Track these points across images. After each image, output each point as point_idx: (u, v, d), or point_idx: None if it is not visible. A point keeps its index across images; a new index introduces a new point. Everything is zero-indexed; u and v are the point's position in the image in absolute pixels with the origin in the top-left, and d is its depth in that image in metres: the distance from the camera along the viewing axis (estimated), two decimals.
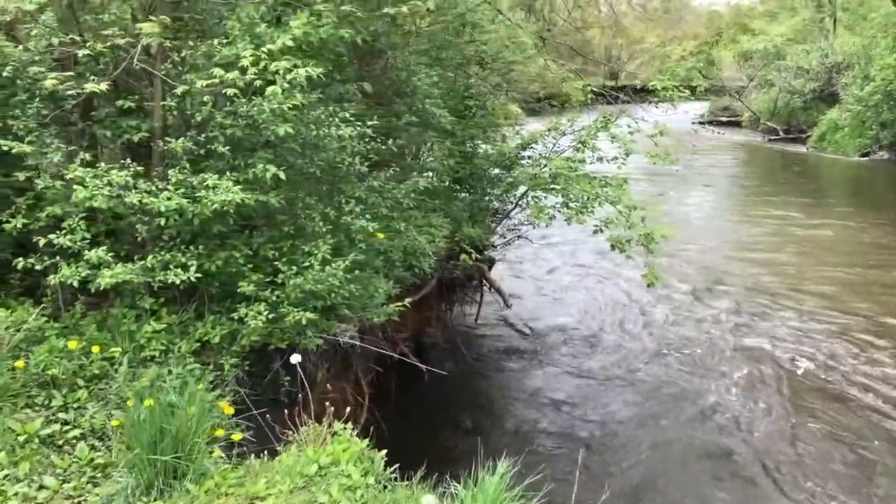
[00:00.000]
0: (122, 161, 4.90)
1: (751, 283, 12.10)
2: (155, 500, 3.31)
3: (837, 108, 28.70)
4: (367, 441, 3.93)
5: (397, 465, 3.74)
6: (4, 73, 4.80)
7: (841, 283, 12.01)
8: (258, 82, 4.63)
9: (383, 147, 5.71)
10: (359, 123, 5.21)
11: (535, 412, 8.23)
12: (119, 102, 5.11)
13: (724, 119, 39.29)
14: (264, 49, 4.64)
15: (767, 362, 9.21)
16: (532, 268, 12.95)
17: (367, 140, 5.48)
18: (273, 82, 4.75)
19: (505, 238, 10.41)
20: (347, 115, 5.21)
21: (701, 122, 39.19)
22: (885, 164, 25.09)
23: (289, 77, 4.66)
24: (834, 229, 15.79)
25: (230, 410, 4.27)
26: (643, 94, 10.93)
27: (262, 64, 4.78)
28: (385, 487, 3.52)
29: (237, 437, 3.90)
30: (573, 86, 11.50)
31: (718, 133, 36.26)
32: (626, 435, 7.76)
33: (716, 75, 40.54)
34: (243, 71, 4.56)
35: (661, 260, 12.12)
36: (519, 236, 10.48)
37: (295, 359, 3.99)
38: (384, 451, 3.87)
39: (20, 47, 4.97)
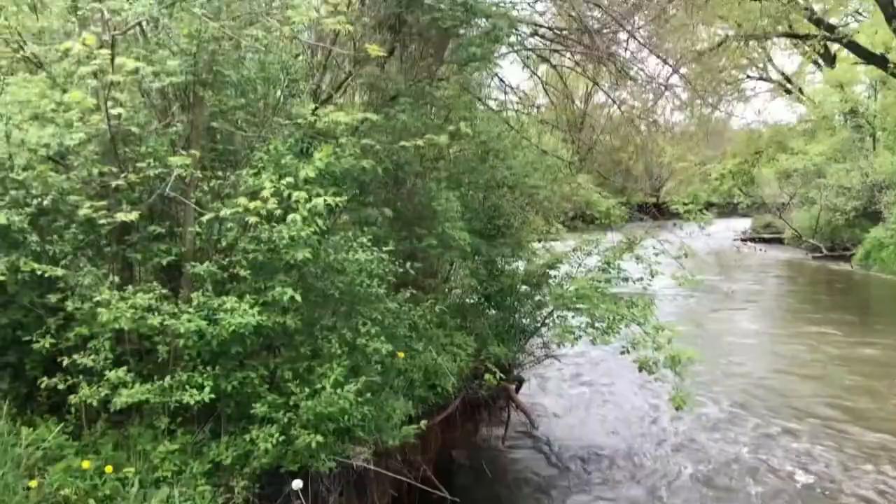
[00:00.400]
0: (150, 284, 5.16)
1: (789, 403, 11.74)
2: None
3: (882, 226, 28.44)
4: None
5: None
6: (46, 202, 5.12)
7: (884, 403, 11.59)
8: (278, 211, 4.88)
9: (401, 270, 5.88)
10: (375, 249, 5.40)
11: None
12: (151, 228, 5.41)
13: (766, 236, 39.14)
14: (283, 182, 4.90)
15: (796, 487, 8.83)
16: (562, 385, 12.79)
17: (385, 263, 5.65)
18: (294, 209, 5.01)
19: (534, 356, 10.39)
20: (365, 239, 5.41)
21: (743, 239, 39.07)
22: None
23: (308, 206, 4.90)
24: (879, 349, 15.33)
25: None
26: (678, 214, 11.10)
27: (285, 193, 5.06)
28: None
29: None
30: (609, 204, 11.71)
31: (761, 250, 36.03)
32: None
33: (756, 193, 40.74)
34: (265, 201, 4.81)
35: (700, 374, 11.94)
36: (547, 355, 10.45)
37: (296, 485, 4.02)
38: None
39: (63, 176, 5.33)
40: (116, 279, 5.13)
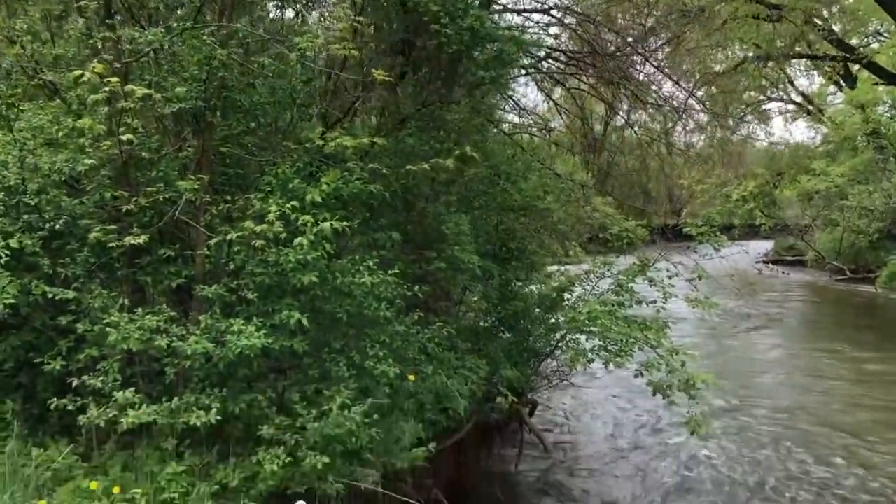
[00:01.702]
0: (160, 307, 5.22)
1: (810, 428, 11.56)
2: None
3: None
4: None
5: None
6: (58, 226, 5.21)
7: None
8: (283, 235, 4.93)
9: (409, 293, 5.90)
10: (382, 272, 5.43)
11: None
12: (161, 251, 5.48)
13: (788, 258, 38.76)
14: (288, 206, 4.96)
15: None
16: (576, 408, 12.69)
17: (393, 286, 5.68)
18: (301, 233, 5.06)
19: (547, 380, 10.34)
20: (372, 263, 5.44)
21: (765, 262, 38.70)
22: None
23: (315, 230, 4.95)
24: None
25: None
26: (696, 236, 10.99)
27: (292, 216, 5.12)
28: None
29: None
30: (626, 226, 11.68)
31: (783, 273, 35.67)
32: None
33: (778, 215, 40.37)
34: (271, 224, 4.87)
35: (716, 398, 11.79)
36: (562, 379, 10.40)
37: None
38: None
39: (76, 200, 5.43)
40: (127, 301, 5.19)
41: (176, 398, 4.87)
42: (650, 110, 15.65)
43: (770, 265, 37.49)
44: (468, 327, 9.21)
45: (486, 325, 9.73)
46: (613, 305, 8.80)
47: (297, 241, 4.94)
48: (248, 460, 5.09)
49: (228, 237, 5.03)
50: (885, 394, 13.62)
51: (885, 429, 11.72)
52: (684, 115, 15.78)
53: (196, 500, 4.73)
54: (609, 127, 21.03)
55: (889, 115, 36.77)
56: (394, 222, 6.86)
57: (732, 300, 21.16)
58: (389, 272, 5.53)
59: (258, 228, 4.88)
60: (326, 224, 4.93)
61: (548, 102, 16.19)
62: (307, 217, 4.93)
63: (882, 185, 31.90)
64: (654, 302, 9.05)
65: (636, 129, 16.26)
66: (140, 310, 5.08)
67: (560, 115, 16.26)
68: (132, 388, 4.82)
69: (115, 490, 4.52)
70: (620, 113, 16.32)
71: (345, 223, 5.07)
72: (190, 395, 4.96)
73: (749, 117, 36.61)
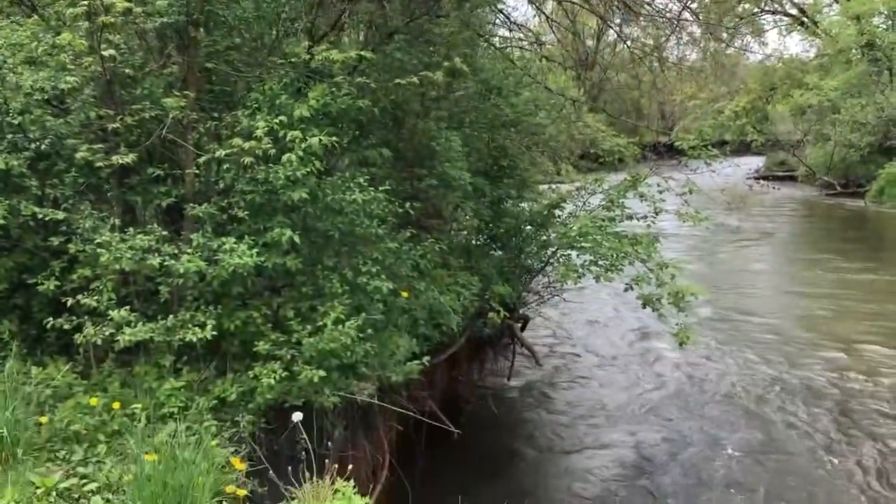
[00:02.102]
0: (151, 226, 5.21)
1: (797, 335, 11.82)
2: None
3: None
4: (367, 499, 4.01)
5: None
6: (44, 146, 5.15)
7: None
8: (273, 151, 4.89)
9: (400, 210, 5.90)
10: (372, 189, 5.41)
11: (567, 476, 8.14)
12: (150, 170, 5.44)
13: (779, 174, 38.77)
14: (276, 121, 4.90)
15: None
16: (567, 322, 12.91)
17: (384, 204, 5.67)
18: (290, 150, 5.02)
19: (539, 295, 10.46)
20: (362, 180, 5.42)
21: (756, 178, 38.74)
22: None
23: (303, 146, 4.91)
24: (890, 284, 15.33)
25: (242, 466, 4.41)
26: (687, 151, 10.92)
27: (281, 132, 5.07)
28: None
29: (241, 492, 4.02)
30: (619, 144, 11.63)
31: (774, 188, 35.74)
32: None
33: (770, 130, 40.15)
34: (259, 140, 4.82)
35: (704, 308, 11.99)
36: (553, 295, 10.52)
37: (296, 417, 4.11)
38: None
39: (61, 120, 5.34)
40: (118, 222, 5.18)
41: (171, 316, 4.91)
42: (643, 23, 15.35)
43: (761, 181, 37.59)
44: (460, 245, 9.26)
45: (478, 243, 9.79)
46: (604, 221, 8.84)
47: (285, 157, 4.90)
48: (245, 376, 5.18)
49: (217, 155, 4.98)
50: (869, 302, 13.91)
51: (867, 335, 12.03)
52: (678, 28, 15.49)
53: (195, 415, 4.83)
54: (601, 42, 20.66)
55: (885, 25, 36.25)
56: (384, 140, 6.80)
57: (723, 215, 21.37)
58: (380, 189, 5.51)
59: (246, 145, 4.84)
60: (315, 139, 4.89)
61: (539, 16, 15.84)
62: (295, 133, 4.88)
63: (875, 98, 31.65)
64: (645, 217, 9.09)
65: (628, 43, 15.98)
66: (131, 230, 5.07)
67: (552, 29, 15.92)
68: (127, 307, 4.85)
69: (116, 406, 4.60)
70: (613, 26, 15.98)
71: (334, 139, 5.02)
72: (185, 313, 5.01)
73: (743, 30, 35.91)
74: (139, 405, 4.72)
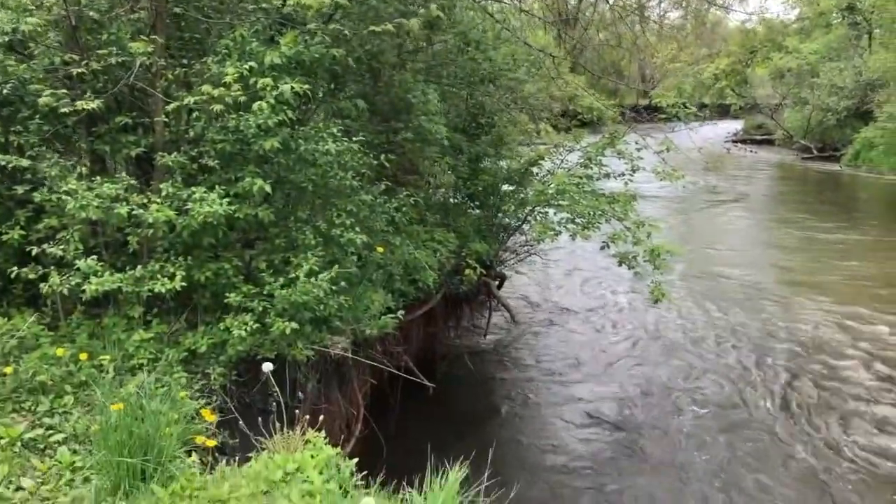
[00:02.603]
0: (120, 175, 5.09)
1: (767, 290, 11.95)
2: (120, 500, 3.40)
3: (872, 126, 28.23)
4: (337, 449, 3.99)
5: (365, 473, 3.80)
6: (6, 91, 4.98)
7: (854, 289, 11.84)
8: (244, 98, 4.77)
9: (375, 162, 5.81)
10: (345, 140, 5.31)
11: (539, 430, 8.20)
12: (118, 119, 5.29)
13: (757, 137, 38.90)
14: (246, 67, 4.77)
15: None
16: (544, 280, 12.96)
17: (359, 156, 5.58)
18: (261, 98, 4.90)
19: (516, 253, 10.45)
20: (335, 130, 5.31)
21: (734, 141, 38.87)
22: None
23: (275, 94, 4.79)
24: (858, 243, 15.52)
25: (212, 418, 4.36)
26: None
27: (252, 80, 4.94)
28: (347, 493, 3.57)
29: (211, 443, 3.98)
30: (591, 100, 11.54)
31: (752, 151, 35.90)
32: (621, 452, 7.71)
33: (749, 94, 40.20)
34: (228, 88, 4.69)
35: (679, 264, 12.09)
36: (530, 253, 10.51)
37: (267, 367, 4.06)
38: (356, 461, 3.95)
39: (23, 66, 5.17)
40: (86, 170, 5.05)
41: (140, 266, 4.82)
42: None
43: (739, 143, 37.74)
44: (437, 203, 9.20)
45: (455, 201, 9.72)
46: (581, 178, 8.80)
47: (256, 105, 4.78)
48: (216, 328, 5.12)
49: (186, 102, 4.85)
50: (838, 260, 14.11)
51: (835, 289, 12.24)
52: None
53: (164, 366, 4.76)
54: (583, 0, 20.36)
55: None
56: (360, 93, 6.67)
57: (700, 176, 21.49)
58: (354, 139, 5.41)
59: (216, 93, 4.71)
60: (286, 86, 4.76)
61: None
62: (266, 80, 4.76)
63: (853, 62, 31.71)
64: (622, 175, 9.06)
65: (610, 1, 15.76)
66: (98, 178, 4.95)
67: None
68: (95, 257, 4.75)
69: (83, 357, 4.52)
70: None
71: (306, 86, 4.90)
72: (154, 264, 4.92)
73: None
74: (107, 357, 4.64)
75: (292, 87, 4.79)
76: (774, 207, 22.35)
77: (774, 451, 7.58)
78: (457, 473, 3.27)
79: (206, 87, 4.76)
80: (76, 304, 5.23)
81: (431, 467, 3.34)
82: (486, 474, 3.40)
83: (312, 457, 3.81)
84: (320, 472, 3.68)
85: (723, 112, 44.22)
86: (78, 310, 5.19)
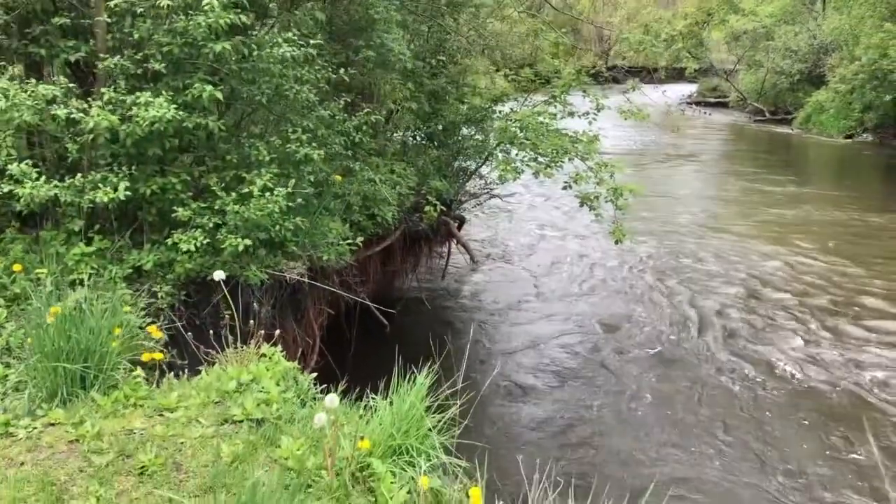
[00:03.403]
0: (57, 79, 4.71)
1: (715, 249, 12.00)
2: (56, 408, 3.11)
3: (824, 90, 28.53)
4: (294, 364, 3.76)
5: (325, 385, 3.58)
6: None
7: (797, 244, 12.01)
8: None
9: (333, 76, 5.49)
10: (303, 43, 4.98)
11: (498, 373, 8.07)
12: (55, 20, 4.88)
13: (711, 100, 39.10)
14: None
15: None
16: (503, 224, 12.83)
17: (317, 68, 5.26)
18: None
19: (476, 197, 10.23)
20: (291, 34, 4.98)
21: (689, 103, 39.06)
22: (869, 146, 24.97)
23: None
24: (805, 203, 15.76)
25: (159, 334, 4.07)
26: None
27: None
28: (305, 404, 3.35)
29: (159, 356, 3.70)
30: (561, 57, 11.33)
31: (705, 113, 36.14)
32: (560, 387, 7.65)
33: (705, 56, 40.31)
34: None
35: (636, 224, 12.12)
36: (491, 196, 10.31)
37: (218, 275, 3.77)
38: (314, 375, 3.75)
39: None
40: (18, 71, 4.65)
41: (80, 175, 4.47)
42: None
43: (693, 105, 37.95)
44: (397, 140, 8.93)
45: (415, 141, 9.45)
46: (546, 115, 8.60)
47: (205, 1, 4.43)
48: (163, 246, 4.81)
49: None
50: (780, 210, 14.41)
51: (775, 235, 12.48)
52: None
53: (107, 283, 4.45)
54: None
55: None
56: (317, 6, 6.31)
57: (656, 134, 21.59)
58: (312, 42, 5.07)
59: None
60: None
61: None
62: None
63: (808, 25, 31.98)
64: (587, 113, 8.88)
65: None
66: (33, 80, 4.55)
67: None
68: (27, 161, 4.38)
69: (17, 268, 4.18)
70: None
71: None
72: (96, 174, 4.57)
73: None
74: (44, 270, 4.30)
75: None
76: (728, 166, 22.51)
77: (712, 381, 7.67)
78: (424, 378, 3.07)
79: None
80: (10, 220, 4.88)
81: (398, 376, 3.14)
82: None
83: (268, 369, 3.57)
84: (277, 384, 3.44)
85: (678, 76, 44.39)
86: (13, 226, 4.83)
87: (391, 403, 2.98)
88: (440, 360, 3.27)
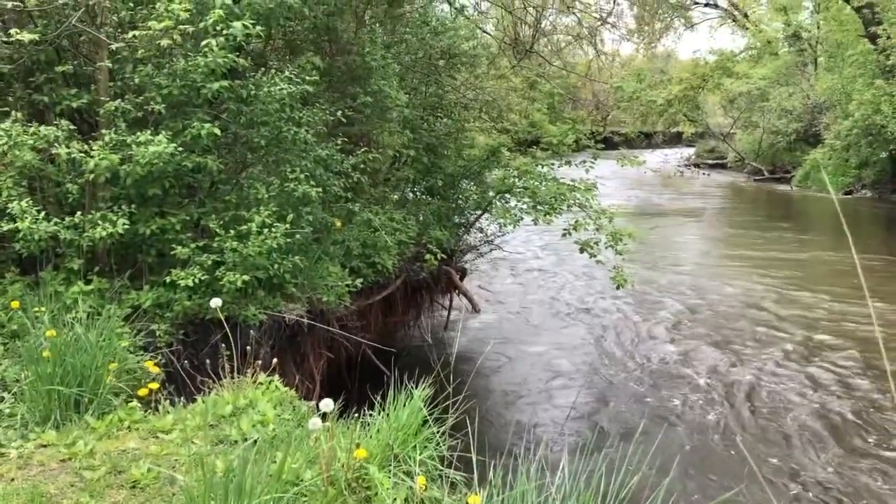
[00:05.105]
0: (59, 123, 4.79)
1: (717, 301, 11.94)
2: (50, 430, 3.06)
3: (820, 148, 28.88)
4: (292, 391, 3.72)
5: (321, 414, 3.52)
6: None
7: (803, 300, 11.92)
8: (192, 29, 4.53)
9: (331, 118, 5.58)
10: (299, 80, 5.08)
11: (502, 425, 7.94)
12: (59, 68, 5.00)
13: (709, 161, 39.52)
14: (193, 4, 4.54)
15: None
16: (504, 275, 12.82)
17: (314, 110, 5.36)
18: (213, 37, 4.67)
19: (476, 249, 10.26)
20: (289, 73, 5.09)
21: (687, 165, 39.49)
22: (867, 201, 25.13)
23: (225, 32, 4.56)
24: (806, 256, 15.77)
25: (156, 369, 4.04)
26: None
27: (200, 24, 4.71)
28: (300, 425, 3.29)
29: (154, 385, 3.65)
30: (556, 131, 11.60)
31: (704, 174, 36.48)
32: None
33: (702, 119, 40.96)
34: (177, 21, 4.45)
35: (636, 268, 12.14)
36: (492, 247, 10.34)
37: (215, 303, 3.75)
38: (313, 402, 3.68)
39: None
40: (21, 116, 4.73)
41: (79, 213, 4.51)
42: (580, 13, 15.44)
43: (692, 167, 38.35)
44: (398, 189, 9.01)
45: (414, 195, 9.54)
46: (543, 163, 8.72)
47: (204, 42, 4.54)
48: (162, 286, 4.81)
49: (131, 35, 4.58)
50: (777, 271, 14.31)
51: (775, 292, 12.40)
52: (612, 21, 15.75)
53: (105, 321, 4.43)
54: (538, 32, 20.57)
55: (810, 20, 37.36)
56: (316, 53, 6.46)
57: (655, 195, 21.77)
58: (308, 78, 5.16)
59: (160, 25, 4.46)
60: (238, 23, 4.54)
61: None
62: (217, 12, 4.52)
63: (801, 86, 32.56)
64: (584, 161, 8.99)
65: (563, 30, 16.12)
66: (35, 123, 4.64)
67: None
68: (29, 199, 4.42)
69: (14, 305, 4.17)
70: (549, 16, 16.04)
71: (259, 28, 4.68)
72: (96, 213, 4.60)
73: (676, 23, 36.67)
74: (43, 309, 4.29)
75: (244, 25, 4.56)
76: (728, 224, 22.60)
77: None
78: (421, 392, 3.03)
79: (153, 23, 4.50)
80: (10, 265, 4.89)
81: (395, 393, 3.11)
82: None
83: (264, 394, 3.53)
84: (274, 407, 3.40)
85: (675, 140, 45.05)
86: (12, 271, 4.84)
87: (388, 416, 2.93)
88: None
